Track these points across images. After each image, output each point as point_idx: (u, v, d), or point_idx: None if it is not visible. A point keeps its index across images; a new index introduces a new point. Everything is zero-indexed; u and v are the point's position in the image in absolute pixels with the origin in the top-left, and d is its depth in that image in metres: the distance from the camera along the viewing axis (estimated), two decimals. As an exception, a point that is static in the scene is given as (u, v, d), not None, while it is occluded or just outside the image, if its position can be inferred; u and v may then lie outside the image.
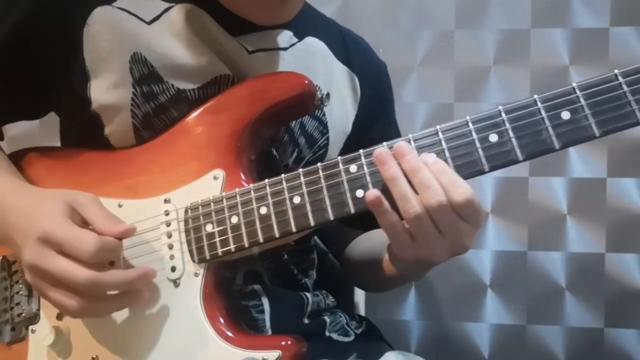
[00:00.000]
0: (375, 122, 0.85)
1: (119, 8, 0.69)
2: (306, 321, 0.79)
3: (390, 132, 0.89)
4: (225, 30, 0.71)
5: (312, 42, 0.79)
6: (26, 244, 0.59)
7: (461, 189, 0.55)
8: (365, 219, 0.60)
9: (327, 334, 0.79)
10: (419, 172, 0.55)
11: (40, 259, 0.58)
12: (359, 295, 1.15)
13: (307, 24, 0.79)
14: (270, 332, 0.73)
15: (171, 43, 0.69)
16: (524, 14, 1.30)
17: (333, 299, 0.88)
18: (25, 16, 0.69)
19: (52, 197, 0.62)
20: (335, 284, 1.08)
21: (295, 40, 0.77)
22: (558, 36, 1.28)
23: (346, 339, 0.80)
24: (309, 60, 0.78)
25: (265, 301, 0.74)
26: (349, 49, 0.83)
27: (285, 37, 0.76)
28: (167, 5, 0.71)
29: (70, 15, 0.69)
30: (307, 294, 0.80)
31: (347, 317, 0.85)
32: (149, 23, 0.70)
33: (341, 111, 0.81)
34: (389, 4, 1.33)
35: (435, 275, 1.33)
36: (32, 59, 0.71)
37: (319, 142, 0.78)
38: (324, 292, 0.87)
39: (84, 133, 0.73)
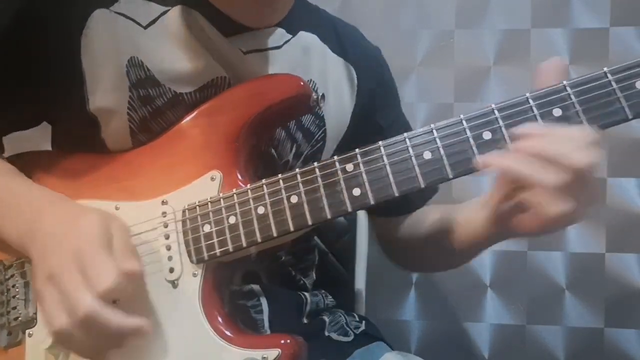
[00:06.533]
0: (379, 107, 0.84)
1: (116, 12, 0.69)
2: (305, 321, 0.79)
3: (397, 114, 0.89)
4: (218, 31, 0.71)
5: (304, 36, 0.78)
6: (56, 253, 0.58)
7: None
8: (409, 202, 0.59)
9: (326, 333, 0.79)
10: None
11: (63, 271, 0.57)
12: (359, 295, 1.16)
13: (299, 18, 0.79)
14: (269, 332, 0.73)
15: (168, 47, 0.69)
16: (524, 14, 1.30)
17: (332, 299, 0.88)
18: (23, 20, 0.69)
19: (91, 212, 0.62)
20: (335, 283, 1.08)
21: (289, 36, 0.77)
22: (558, 36, 1.28)
23: (345, 339, 0.80)
24: (303, 55, 0.77)
25: (263, 301, 0.74)
26: (342, 39, 0.83)
27: (277, 35, 0.76)
28: (163, 9, 0.71)
29: (68, 18, 0.69)
30: (305, 293, 0.81)
31: (346, 316, 0.85)
32: (146, 27, 0.70)
33: (338, 103, 0.80)
34: (389, 4, 1.34)
35: (435, 275, 1.34)
36: (30, 63, 0.70)
37: (317, 136, 0.78)
38: (323, 291, 0.87)
39: (80, 138, 0.73)
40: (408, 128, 0.88)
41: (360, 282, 1.16)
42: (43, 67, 0.70)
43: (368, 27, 0.90)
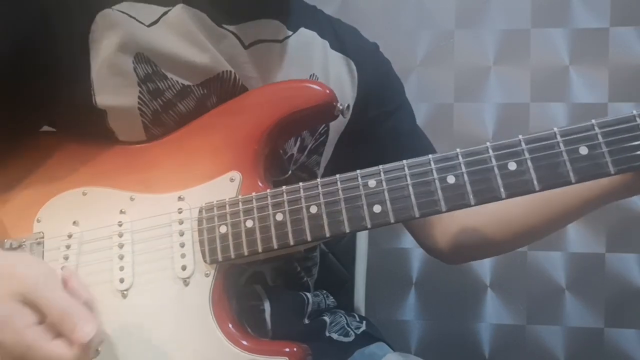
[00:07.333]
0: (380, 98, 0.84)
1: (118, 11, 0.69)
2: (306, 321, 0.79)
3: (400, 103, 0.89)
4: (220, 26, 0.71)
5: (305, 33, 0.79)
6: None
7: None
8: None
9: (327, 334, 0.79)
10: None
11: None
12: (359, 295, 1.16)
13: (299, 15, 0.79)
14: (270, 332, 0.73)
15: (172, 43, 0.69)
16: (524, 14, 1.30)
17: (333, 299, 0.88)
18: (29, 28, 0.68)
19: None
20: (336, 283, 1.08)
21: (290, 32, 0.77)
22: (558, 36, 1.29)
23: (346, 339, 0.80)
24: (305, 51, 0.78)
25: (266, 302, 0.74)
26: (340, 36, 0.84)
27: (278, 28, 0.76)
28: (163, 9, 0.71)
29: (74, 24, 0.68)
30: (307, 294, 0.81)
31: (347, 317, 0.85)
32: (149, 26, 0.70)
33: (339, 97, 0.80)
34: (389, 4, 1.34)
35: (435, 275, 1.34)
36: (37, 70, 0.70)
37: (320, 129, 0.78)
38: (324, 292, 0.88)
39: (91, 136, 0.72)
40: (412, 116, 0.89)
41: (360, 282, 1.16)
42: (51, 74, 0.69)
43: (368, 27, 0.91)
